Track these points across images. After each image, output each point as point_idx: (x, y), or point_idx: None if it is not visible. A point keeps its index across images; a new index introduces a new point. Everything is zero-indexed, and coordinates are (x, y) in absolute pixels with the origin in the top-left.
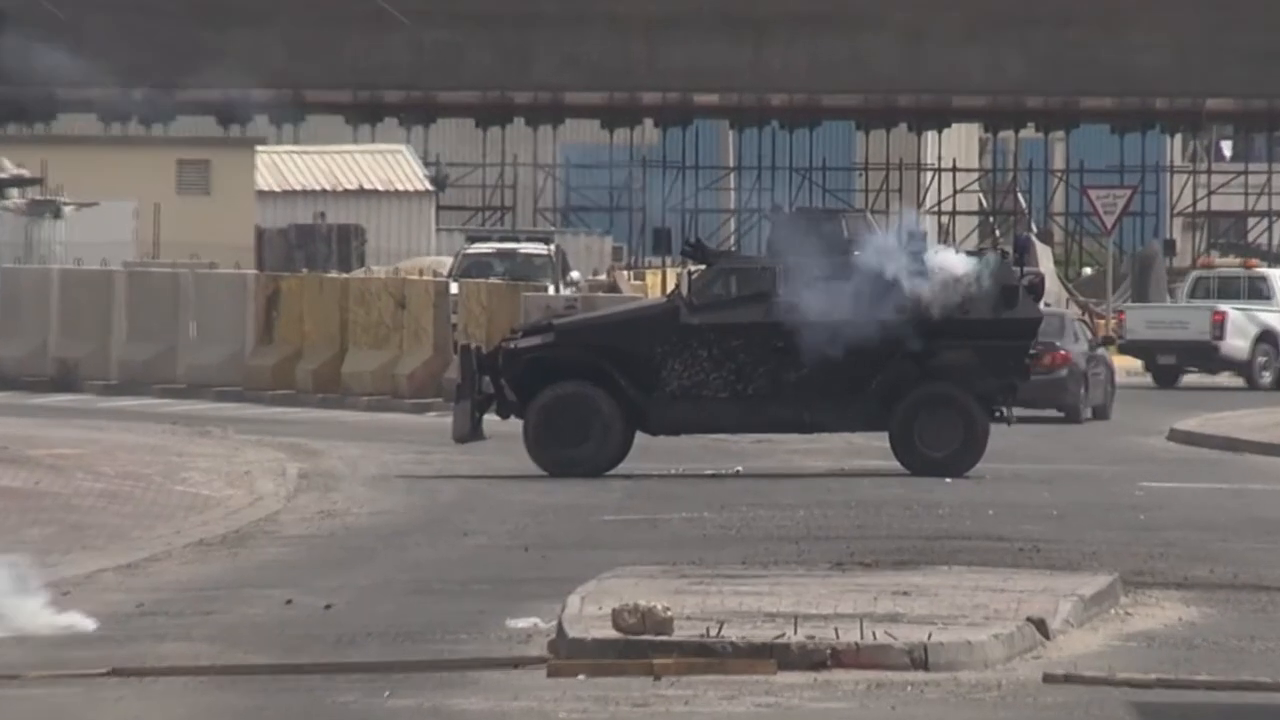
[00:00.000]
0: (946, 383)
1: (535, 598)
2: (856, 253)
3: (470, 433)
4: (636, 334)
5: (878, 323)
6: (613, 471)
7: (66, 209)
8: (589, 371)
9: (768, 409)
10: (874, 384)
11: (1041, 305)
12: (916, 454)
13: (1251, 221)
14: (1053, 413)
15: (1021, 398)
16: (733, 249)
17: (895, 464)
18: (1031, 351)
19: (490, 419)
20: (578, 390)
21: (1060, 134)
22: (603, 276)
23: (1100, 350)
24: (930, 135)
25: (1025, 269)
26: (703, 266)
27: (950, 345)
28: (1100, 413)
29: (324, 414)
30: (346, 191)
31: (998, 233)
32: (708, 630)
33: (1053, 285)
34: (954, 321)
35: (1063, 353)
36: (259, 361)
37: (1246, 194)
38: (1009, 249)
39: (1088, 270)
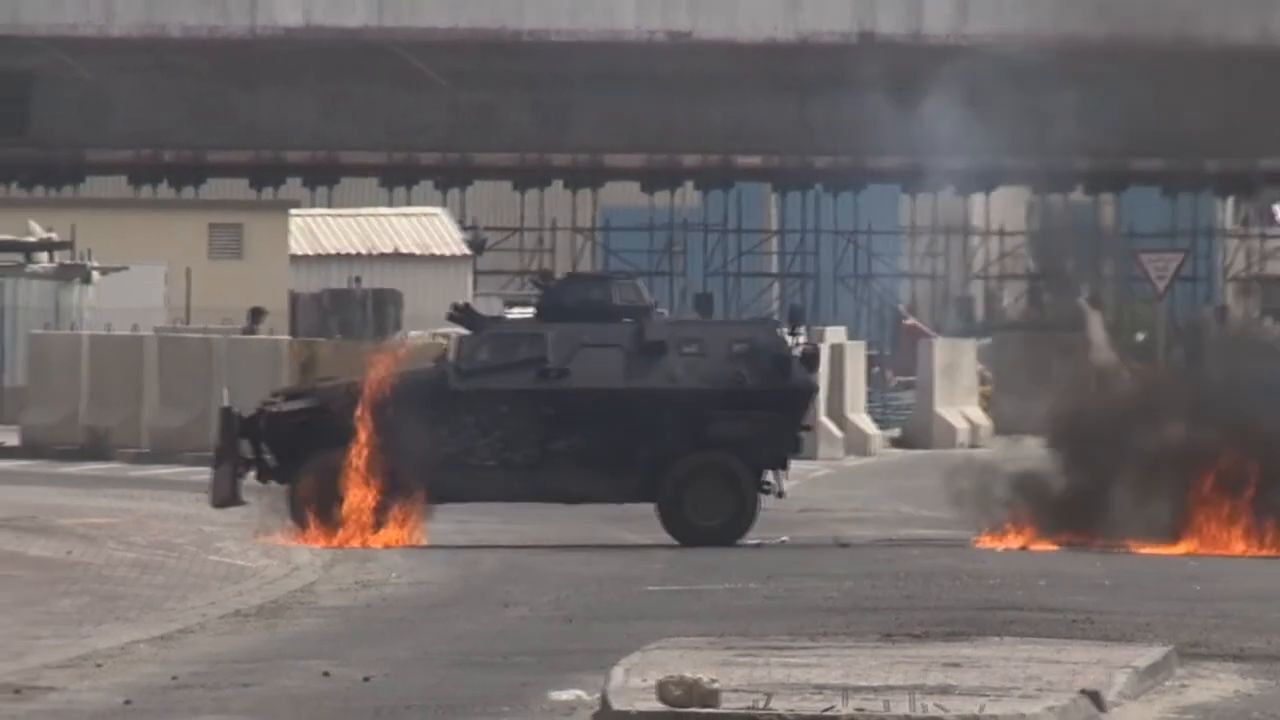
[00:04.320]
0: (718, 452)
1: (578, 670)
2: (627, 320)
3: (230, 497)
4: (402, 400)
5: (649, 391)
6: (655, 542)
7: (95, 274)
8: (354, 437)
9: (536, 478)
10: (645, 454)
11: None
12: (686, 524)
13: None
14: None
15: None
16: (773, 313)
17: (946, 533)
18: (805, 423)
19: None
20: (345, 456)
21: (1110, 197)
22: None
23: None
24: (978, 197)
25: (799, 338)
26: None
27: (721, 415)
28: None
29: None
30: (382, 255)
31: (1045, 298)
32: (755, 702)
33: (1106, 356)
34: (725, 391)
35: None
36: None
37: None
38: (779, 317)
39: (1139, 336)
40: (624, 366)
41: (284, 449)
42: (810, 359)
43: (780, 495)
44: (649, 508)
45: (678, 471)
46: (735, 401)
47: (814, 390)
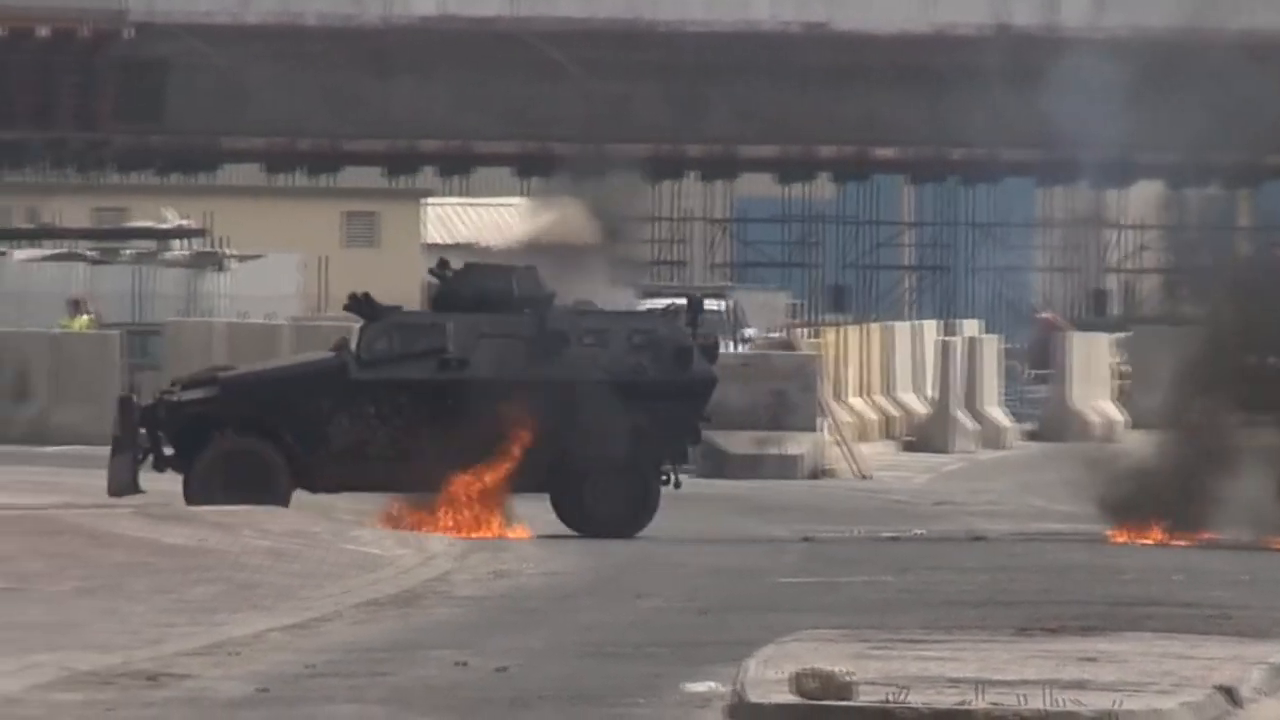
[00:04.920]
0: (618, 444)
1: (712, 661)
2: (528, 311)
3: (129, 486)
4: (302, 389)
5: (550, 383)
6: (789, 534)
7: (230, 261)
8: (254, 426)
9: (435, 469)
10: (544, 445)
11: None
12: (585, 516)
13: None
14: None
15: None
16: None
17: (1082, 527)
18: (705, 414)
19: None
20: (244, 446)
21: (1246, 190)
22: (779, 334)
23: None
24: (1111, 190)
25: (699, 329)
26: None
27: (622, 406)
28: None
29: None
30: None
31: None
32: (889, 696)
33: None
34: (626, 383)
35: None
36: None
37: None
38: (680, 307)
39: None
40: (525, 357)
41: (182, 438)
42: (711, 351)
43: (678, 486)
44: (781, 498)
45: (577, 462)
46: (636, 392)
47: (714, 381)
